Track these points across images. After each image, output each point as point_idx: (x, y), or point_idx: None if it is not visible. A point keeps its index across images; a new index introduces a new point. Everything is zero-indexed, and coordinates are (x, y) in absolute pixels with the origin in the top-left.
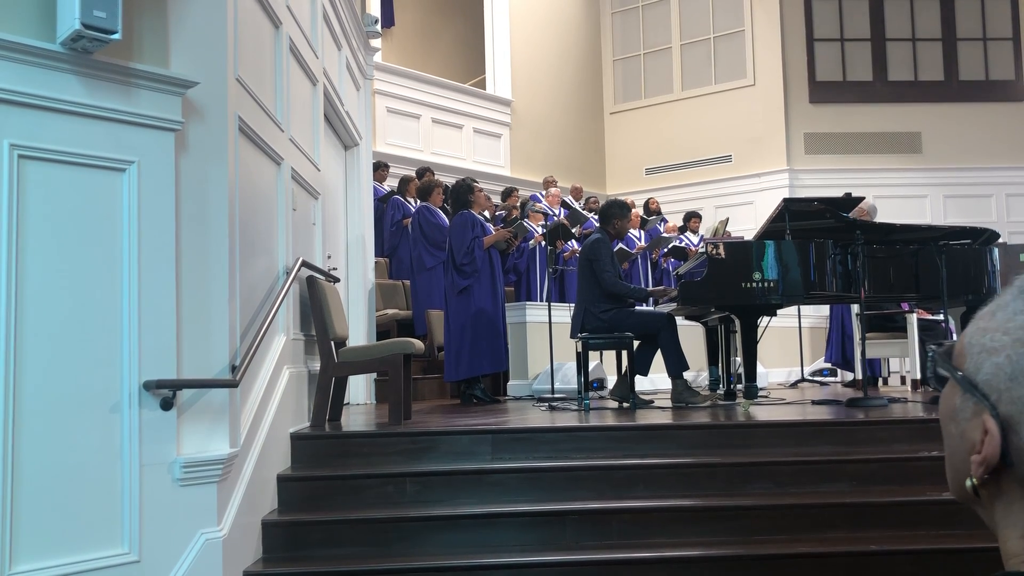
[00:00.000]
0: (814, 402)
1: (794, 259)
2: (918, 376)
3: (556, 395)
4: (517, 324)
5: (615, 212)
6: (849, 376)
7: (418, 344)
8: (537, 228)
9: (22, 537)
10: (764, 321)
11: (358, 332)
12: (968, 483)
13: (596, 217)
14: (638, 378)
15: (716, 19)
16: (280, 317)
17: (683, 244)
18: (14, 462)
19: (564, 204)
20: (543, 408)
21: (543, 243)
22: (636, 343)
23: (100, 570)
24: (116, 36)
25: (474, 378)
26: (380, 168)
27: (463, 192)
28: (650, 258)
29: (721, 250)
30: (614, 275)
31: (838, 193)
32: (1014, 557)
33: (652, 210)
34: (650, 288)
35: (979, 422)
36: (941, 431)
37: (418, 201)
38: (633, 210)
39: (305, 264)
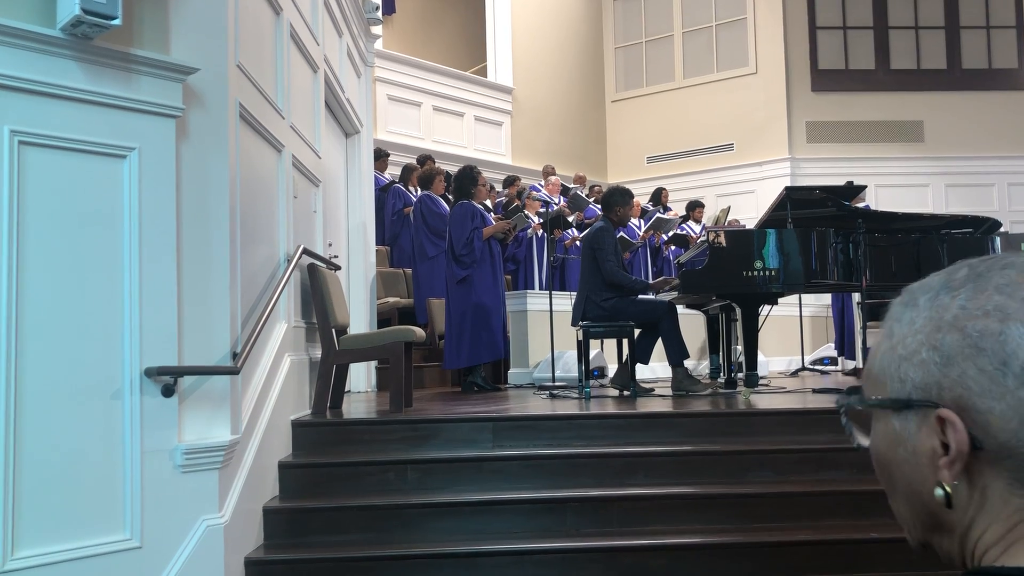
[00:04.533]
0: (815, 391)
1: (795, 248)
2: None
3: (557, 383)
4: (518, 312)
5: (616, 199)
6: (850, 365)
7: (419, 332)
8: (535, 217)
9: (24, 523)
10: (765, 310)
11: (359, 320)
12: (939, 492)
13: (597, 204)
14: (639, 366)
15: (718, 7)
16: (281, 304)
17: (684, 232)
18: (16, 449)
19: (564, 191)
20: (544, 396)
21: (540, 232)
22: (637, 331)
23: (102, 556)
24: (116, 22)
25: (474, 366)
26: (380, 158)
27: (467, 180)
28: (652, 245)
29: (722, 239)
30: (616, 264)
31: (840, 182)
32: (993, 547)
33: (662, 202)
34: (651, 280)
35: (930, 428)
36: (879, 473)
37: (419, 190)
38: (634, 198)
39: (306, 252)
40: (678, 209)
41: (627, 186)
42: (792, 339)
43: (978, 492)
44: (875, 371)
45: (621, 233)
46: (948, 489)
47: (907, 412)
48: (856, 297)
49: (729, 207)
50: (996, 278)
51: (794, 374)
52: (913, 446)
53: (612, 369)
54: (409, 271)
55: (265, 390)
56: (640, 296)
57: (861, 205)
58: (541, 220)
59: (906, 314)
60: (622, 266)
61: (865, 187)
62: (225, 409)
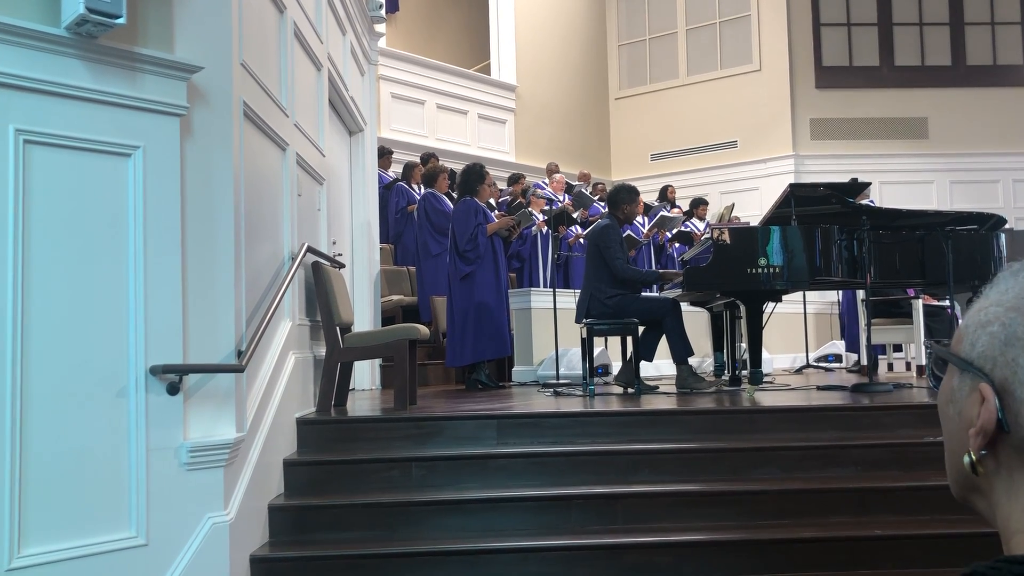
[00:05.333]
0: (819, 388)
1: (799, 245)
2: (923, 362)
3: (561, 381)
4: (522, 310)
5: (623, 197)
6: (854, 360)
7: (423, 330)
8: (539, 215)
9: (30, 521)
10: (769, 307)
11: (363, 318)
12: (966, 459)
13: (601, 202)
14: (643, 364)
15: (722, 4)
16: (286, 302)
17: (688, 230)
18: (22, 447)
19: (568, 189)
20: (548, 394)
21: (545, 230)
22: (641, 329)
23: (108, 554)
24: (121, 21)
25: (479, 363)
26: (384, 155)
27: (473, 179)
28: (656, 243)
29: (726, 236)
30: (625, 261)
31: (844, 179)
32: (1019, 534)
33: (669, 199)
34: (662, 271)
35: (976, 397)
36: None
37: (423, 188)
38: (640, 196)
39: (310, 250)
40: (682, 206)
41: (631, 183)
42: (796, 336)
43: (1005, 471)
44: (961, 326)
45: (628, 232)
46: (974, 457)
47: (965, 374)
48: (860, 294)
49: (733, 204)
50: None
51: (798, 371)
52: (960, 408)
53: (616, 366)
54: (413, 269)
55: (270, 388)
56: (644, 293)
57: (865, 202)
58: (545, 218)
59: (1005, 282)
60: (628, 262)
61: (869, 184)
62: (230, 407)
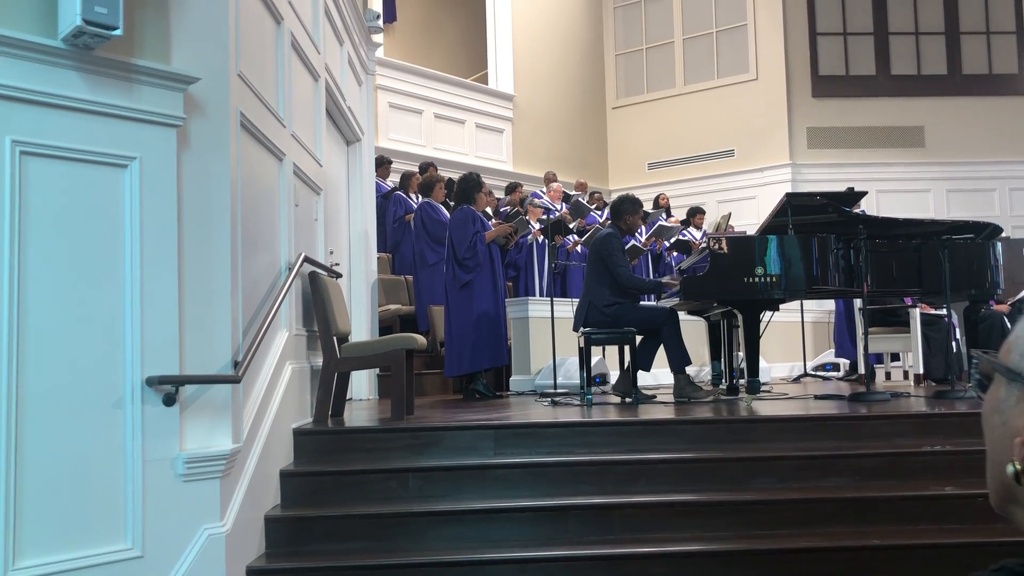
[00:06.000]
0: (817, 397)
1: (797, 254)
2: (921, 371)
3: (558, 390)
4: (519, 319)
5: (627, 208)
6: (847, 366)
7: (420, 339)
8: (536, 224)
9: (25, 533)
10: (767, 316)
11: (360, 328)
12: (1010, 468)
13: (598, 211)
14: (640, 373)
15: (718, 13)
16: (282, 313)
17: (686, 239)
18: (17, 459)
19: (566, 198)
20: (545, 403)
21: (541, 238)
22: (639, 338)
23: (103, 566)
24: (117, 32)
25: (476, 373)
26: (382, 165)
27: (470, 187)
28: (653, 252)
29: (723, 245)
30: (627, 269)
31: (841, 188)
32: None
33: (662, 206)
34: (664, 279)
35: (1023, 408)
36: (982, 429)
37: (420, 197)
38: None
39: (307, 260)
40: (677, 215)
41: (633, 194)
42: (794, 345)
43: None
44: (1011, 338)
45: (632, 242)
46: (1018, 467)
47: (1013, 385)
48: (857, 303)
49: (730, 213)
50: None
51: (796, 380)
52: (1006, 418)
53: (614, 376)
54: (410, 278)
55: (266, 398)
56: (642, 302)
57: (857, 211)
58: (541, 227)
59: None
60: (630, 271)
61: (866, 193)
62: (226, 418)
